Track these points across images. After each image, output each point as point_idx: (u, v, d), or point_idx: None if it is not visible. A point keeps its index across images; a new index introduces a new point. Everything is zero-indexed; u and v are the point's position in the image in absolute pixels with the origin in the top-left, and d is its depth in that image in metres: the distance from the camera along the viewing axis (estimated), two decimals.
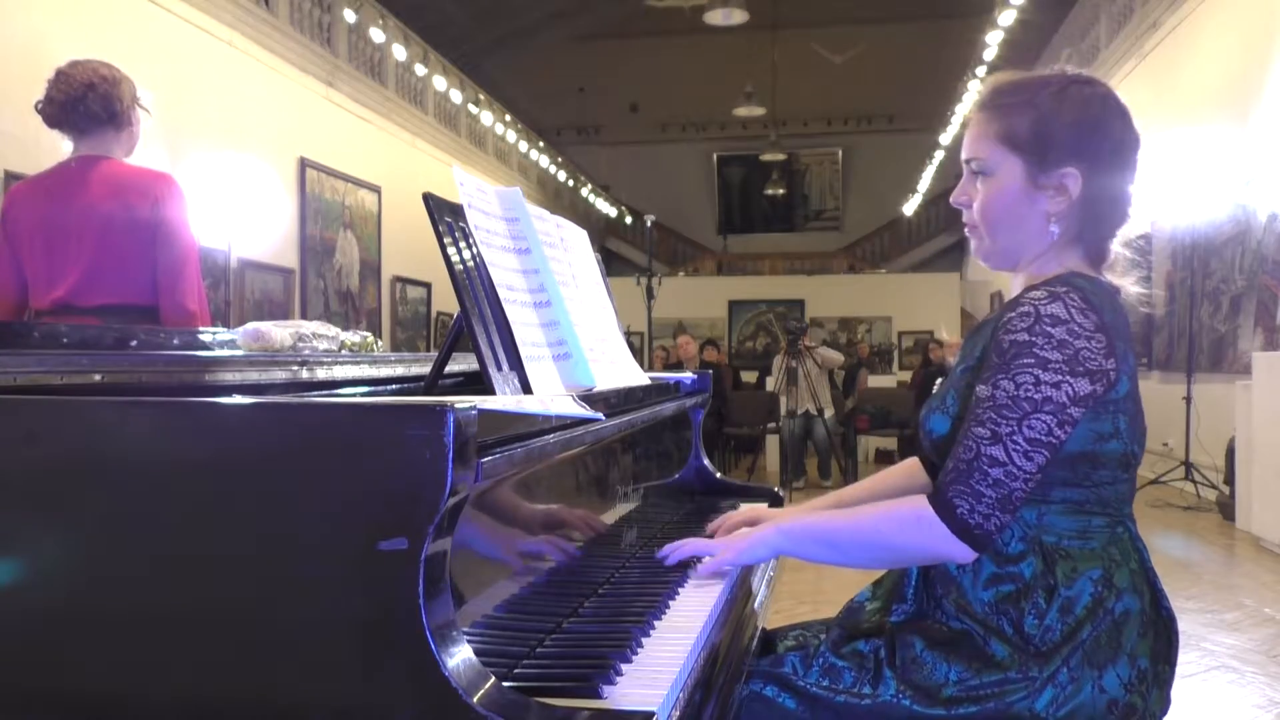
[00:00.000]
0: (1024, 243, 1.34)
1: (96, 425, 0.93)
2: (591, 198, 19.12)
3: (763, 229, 21.82)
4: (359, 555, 0.85)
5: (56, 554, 0.93)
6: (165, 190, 2.51)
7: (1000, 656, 1.23)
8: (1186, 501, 7.04)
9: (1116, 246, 1.35)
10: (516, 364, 1.25)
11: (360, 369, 1.60)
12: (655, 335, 10.22)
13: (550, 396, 1.22)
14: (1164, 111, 8.52)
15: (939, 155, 16.21)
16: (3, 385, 1.06)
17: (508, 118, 14.82)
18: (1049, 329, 1.20)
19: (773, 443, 9.20)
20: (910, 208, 19.36)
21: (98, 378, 1.16)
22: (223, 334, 1.79)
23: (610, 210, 19.89)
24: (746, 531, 1.50)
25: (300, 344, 1.68)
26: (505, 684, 0.88)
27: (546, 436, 1.09)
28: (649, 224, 8.76)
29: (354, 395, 1.42)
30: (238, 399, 0.99)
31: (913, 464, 1.57)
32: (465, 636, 0.88)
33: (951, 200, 1.41)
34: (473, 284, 1.26)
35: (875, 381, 12.56)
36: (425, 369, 1.65)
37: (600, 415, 1.21)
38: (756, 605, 1.55)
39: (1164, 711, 1.27)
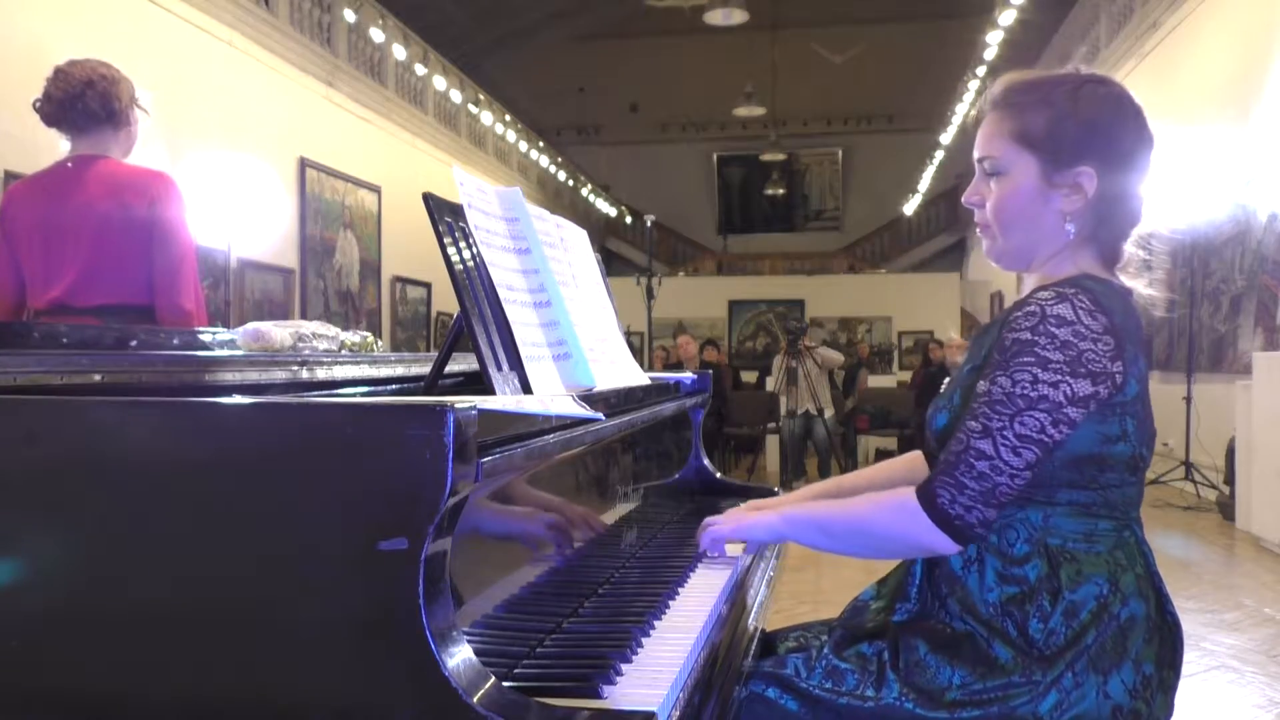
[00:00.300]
0: (1038, 242, 1.33)
1: (96, 425, 0.93)
2: (591, 198, 19.12)
3: (763, 229, 21.82)
4: (359, 555, 0.85)
5: (57, 554, 0.93)
6: (162, 190, 2.51)
7: (1004, 660, 1.22)
8: (1186, 501, 7.04)
9: (1130, 247, 1.34)
10: (516, 364, 1.25)
11: (360, 369, 1.60)
12: (655, 335, 10.22)
13: (550, 396, 1.22)
14: (1164, 111, 8.51)
15: (939, 155, 16.23)
16: (3, 385, 1.06)
17: (508, 118, 14.82)
18: (1053, 329, 1.19)
19: (773, 443, 9.19)
20: (910, 208, 19.38)
21: (98, 378, 1.16)
22: (223, 334, 1.78)
23: (610, 210, 19.90)
24: (751, 508, 1.53)
25: (300, 344, 1.68)
26: (505, 684, 0.88)
27: (546, 436, 1.09)
28: (649, 224, 8.75)
29: (354, 395, 1.42)
30: (238, 399, 0.99)
31: (915, 457, 1.57)
32: (465, 636, 0.88)
33: (964, 200, 1.40)
34: (473, 284, 1.26)
35: (875, 382, 12.58)
36: (425, 369, 1.65)
37: (600, 415, 1.21)
38: (756, 606, 1.55)
39: (1167, 717, 1.26)
